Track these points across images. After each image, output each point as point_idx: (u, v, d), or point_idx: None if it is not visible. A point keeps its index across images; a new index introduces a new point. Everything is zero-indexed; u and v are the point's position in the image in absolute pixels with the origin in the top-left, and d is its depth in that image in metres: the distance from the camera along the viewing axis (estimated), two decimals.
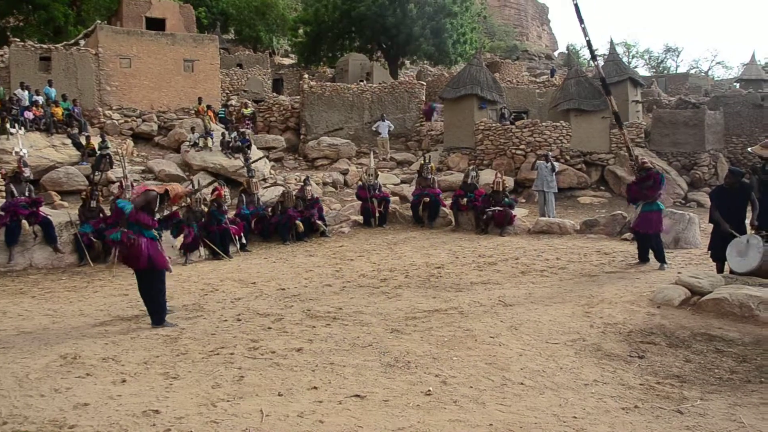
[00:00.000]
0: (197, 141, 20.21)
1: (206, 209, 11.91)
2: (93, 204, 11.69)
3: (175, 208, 7.72)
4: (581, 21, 9.22)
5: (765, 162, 8.77)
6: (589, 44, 9.65)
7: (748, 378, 4.96)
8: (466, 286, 8.22)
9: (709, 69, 55.44)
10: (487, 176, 17.91)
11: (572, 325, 6.20)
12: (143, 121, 22.82)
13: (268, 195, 15.83)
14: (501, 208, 13.08)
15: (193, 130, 20.81)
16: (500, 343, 5.66)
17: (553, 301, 7.25)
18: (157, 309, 6.64)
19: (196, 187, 12.39)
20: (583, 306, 6.93)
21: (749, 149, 10.38)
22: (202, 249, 11.49)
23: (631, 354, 5.45)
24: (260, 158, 16.54)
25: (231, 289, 8.58)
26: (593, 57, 10.42)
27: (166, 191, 6.93)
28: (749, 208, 8.41)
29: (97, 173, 14.23)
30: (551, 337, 5.84)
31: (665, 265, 9.15)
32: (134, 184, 12.37)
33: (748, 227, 8.35)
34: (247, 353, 5.44)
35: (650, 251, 9.49)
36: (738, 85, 35.21)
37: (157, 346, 5.73)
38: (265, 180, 19.11)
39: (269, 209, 13.56)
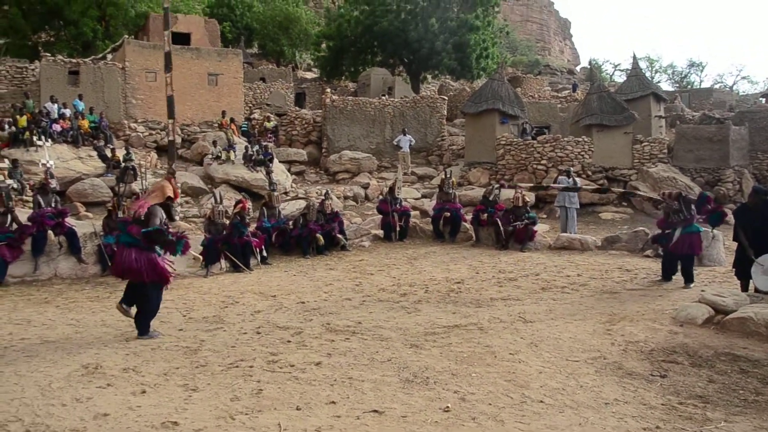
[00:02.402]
0: (220, 154, 20.42)
1: (228, 222, 11.99)
2: (120, 215, 11.84)
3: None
4: None
5: None
6: None
7: None
8: (486, 302, 8.18)
9: (734, 84, 54.98)
10: (508, 191, 17.85)
11: (593, 343, 6.13)
12: (167, 134, 23.13)
13: (289, 208, 15.92)
14: (522, 223, 13.02)
15: (215, 143, 21.03)
16: (520, 360, 5.61)
17: (574, 318, 7.19)
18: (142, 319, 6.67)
19: (218, 199, 12.55)
20: (605, 323, 6.85)
21: None
22: (222, 261, 11.57)
23: (653, 373, 5.37)
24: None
25: (251, 302, 8.61)
26: None
27: (169, 197, 6.92)
28: None
29: (121, 185, 14.42)
30: (572, 355, 5.78)
31: (691, 286, 9.01)
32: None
33: None
34: (266, 366, 5.45)
35: (676, 271, 9.34)
36: (764, 100, 34.82)
37: (177, 357, 5.77)
38: (286, 193, 19.23)
39: (290, 222, 13.63)
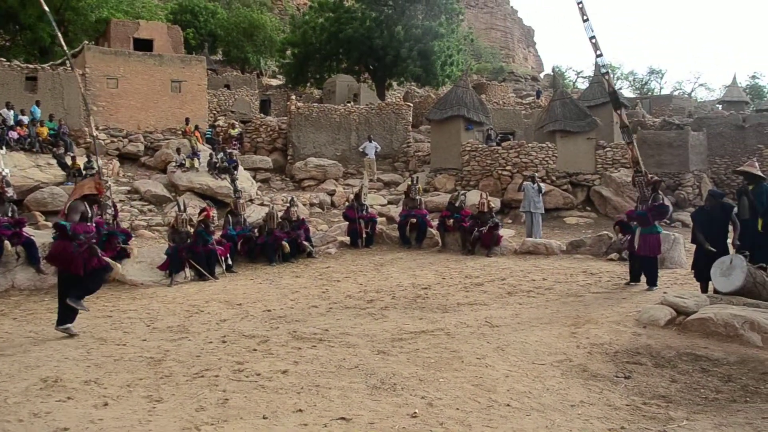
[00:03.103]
0: (184, 161, 20.17)
1: (192, 230, 11.83)
2: None
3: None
4: (584, 17, 9.18)
5: (750, 183, 8.87)
6: (594, 44, 9.35)
7: (734, 398, 4.97)
8: (453, 307, 8.21)
9: (692, 91, 56.32)
10: (473, 197, 17.98)
11: (559, 346, 6.19)
12: (129, 141, 22.77)
13: (254, 216, 15.78)
14: (487, 229, 13.11)
15: (179, 150, 20.77)
16: (487, 364, 5.63)
17: (540, 321, 7.25)
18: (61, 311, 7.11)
19: (182, 207, 12.38)
20: (570, 326, 6.93)
21: (739, 168, 10.39)
22: (187, 270, 11.40)
23: (617, 374, 5.44)
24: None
25: (217, 311, 8.50)
26: (598, 54, 9.78)
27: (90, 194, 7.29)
28: (731, 228, 8.51)
29: None
30: (538, 358, 5.83)
31: (654, 288, 9.14)
32: (118, 204, 12.30)
33: (731, 247, 8.43)
34: (231, 375, 5.38)
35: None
36: (720, 106, 35.78)
37: (140, 368, 5.65)
38: (251, 201, 19.07)
39: (256, 230, 13.51)
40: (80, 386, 5.13)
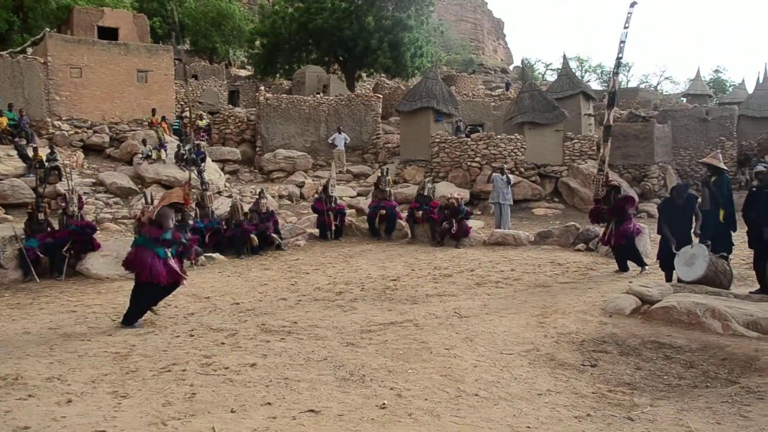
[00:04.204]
0: (150, 153, 19.85)
1: None
2: (41, 217, 11.36)
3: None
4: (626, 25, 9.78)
5: (713, 174, 9.06)
6: (621, 47, 9.87)
7: (695, 383, 5.09)
8: (422, 299, 8.24)
9: (658, 84, 57.13)
10: (443, 188, 18.05)
11: (526, 336, 6.26)
12: (94, 132, 22.27)
13: (222, 208, 15.60)
14: (456, 223, 13.16)
15: (145, 142, 20.44)
16: (455, 354, 5.67)
17: (508, 312, 7.32)
18: (131, 311, 7.13)
19: (149, 200, 12.18)
20: (537, 316, 7.01)
21: (702, 160, 10.74)
22: None
23: (583, 363, 5.53)
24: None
25: (184, 304, 8.40)
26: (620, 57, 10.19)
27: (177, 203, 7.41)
28: (695, 218, 8.69)
29: (43, 185, 13.84)
30: (506, 348, 5.88)
31: (646, 268, 9.61)
32: (83, 197, 12.07)
33: (694, 237, 8.60)
34: (199, 369, 5.33)
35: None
36: (685, 99, 36.38)
37: (105, 364, 5.56)
38: (219, 193, 18.87)
39: (223, 222, 13.39)
40: (42, 383, 5.02)
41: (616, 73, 10.86)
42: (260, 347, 6.01)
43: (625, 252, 9.84)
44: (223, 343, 6.19)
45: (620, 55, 9.93)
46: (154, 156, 19.78)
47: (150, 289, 7.15)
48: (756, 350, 5.61)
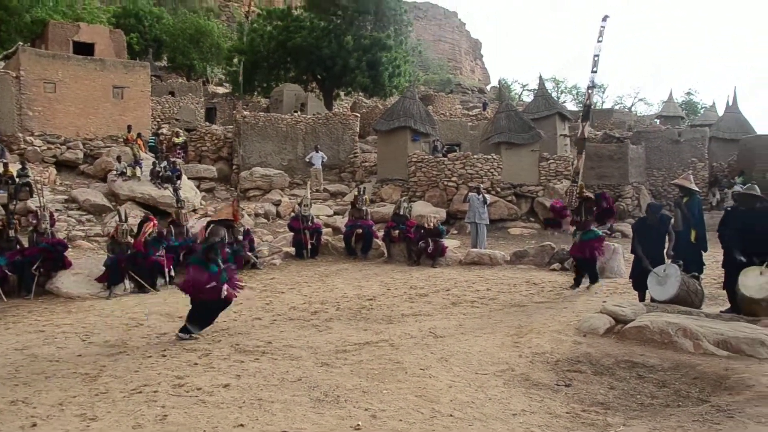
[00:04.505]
0: (125, 170, 19.66)
1: (132, 240, 11.52)
2: (11, 234, 11.17)
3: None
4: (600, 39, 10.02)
5: (684, 195, 9.19)
6: (595, 61, 10.19)
7: (667, 402, 5.12)
8: (398, 318, 8.22)
9: (632, 105, 57.97)
10: (420, 208, 18.10)
11: (501, 356, 6.26)
12: (68, 148, 22.02)
13: (198, 226, 15.46)
14: (433, 242, 13.20)
15: (120, 158, 20.25)
16: (430, 375, 5.65)
17: (483, 331, 7.32)
18: (188, 320, 7.36)
19: (123, 217, 12.04)
20: (512, 336, 7.01)
21: (674, 181, 10.96)
22: (127, 282, 11.10)
23: (558, 383, 5.53)
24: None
25: (157, 324, 8.29)
26: (594, 71, 10.53)
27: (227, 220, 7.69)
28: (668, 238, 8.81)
29: (14, 202, 13.63)
30: (481, 368, 5.88)
31: (596, 283, 9.88)
32: (55, 214, 11.89)
33: (667, 258, 8.70)
34: (171, 391, 5.24)
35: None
36: (658, 121, 37.01)
37: (74, 385, 5.45)
38: (195, 211, 18.71)
39: (198, 240, 13.25)
40: (6, 407, 4.90)
41: (590, 88, 11.04)
42: (234, 368, 5.94)
43: (585, 264, 10.01)
44: (196, 364, 6.11)
45: (594, 69, 10.11)
46: (128, 173, 19.59)
47: (203, 305, 7.35)
48: (726, 369, 5.67)
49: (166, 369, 5.92)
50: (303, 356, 6.33)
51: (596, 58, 9.98)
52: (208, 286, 7.19)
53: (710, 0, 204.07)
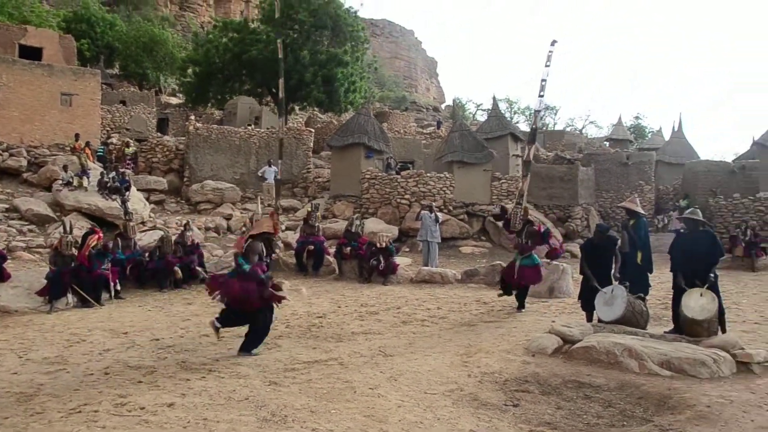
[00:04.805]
0: (71, 180, 19.12)
1: (77, 252, 11.19)
2: None
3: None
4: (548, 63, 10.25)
5: (631, 217, 9.42)
6: (543, 86, 10.38)
7: (613, 422, 5.20)
8: (348, 336, 8.17)
9: (583, 127, 59.31)
10: (372, 225, 18.11)
11: (450, 375, 6.26)
12: (10, 155, 21.29)
13: (146, 239, 15.14)
14: (384, 260, 13.21)
15: (66, 168, 19.70)
16: (379, 394, 5.61)
17: (433, 350, 7.33)
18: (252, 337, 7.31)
19: (67, 228, 11.70)
20: (462, 355, 7.04)
21: (621, 204, 11.26)
22: (69, 296, 10.75)
23: (506, 403, 5.56)
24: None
25: (100, 340, 8.04)
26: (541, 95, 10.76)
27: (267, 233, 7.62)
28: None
29: None
30: (430, 388, 5.87)
31: (522, 311, 9.99)
32: None
33: (614, 279, 8.89)
34: (113, 410, 5.07)
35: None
36: (608, 144, 38.01)
37: (8, 405, 5.22)
38: (143, 223, 18.31)
39: (146, 254, 12.98)
40: None
41: (538, 111, 11.32)
42: (179, 386, 5.79)
43: (519, 289, 10.18)
44: (140, 382, 5.94)
45: (542, 94, 10.34)
46: (75, 183, 19.06)
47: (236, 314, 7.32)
48: (669, 389, 5.80)
49: (108, 387, 5.74)
50: (251, 374, 6.22)
51: (543, 83, 10.21)
52: (246, 293, 7.16)
53: (687, 5, 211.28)
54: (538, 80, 10.37)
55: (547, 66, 10.29)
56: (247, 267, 7.20)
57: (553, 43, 10.37)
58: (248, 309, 7.22)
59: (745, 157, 26.46)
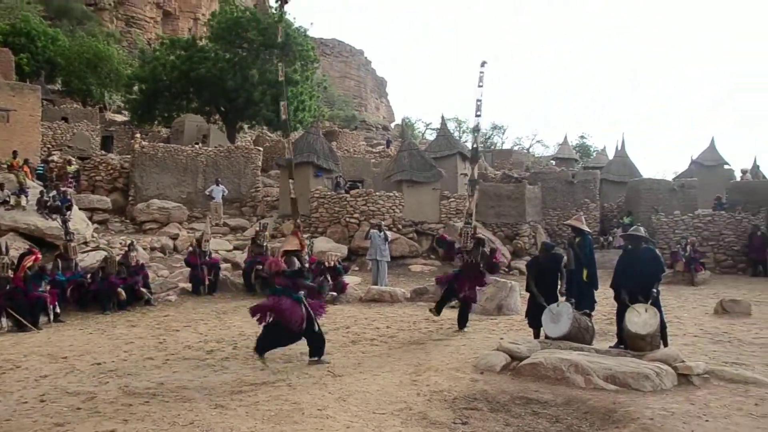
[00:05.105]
0: (8, 198, 18.42)
1: (12, 274, 10.77)
2: None
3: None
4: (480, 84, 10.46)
5: (577, 235, 9.60)
6: (478, 105, 10.64)
7: None
8: (296, 357, 8.06)
9: (530, 146, 60.48)
10: (321, 244, 18.02)
11: (400, 395, 6.24)
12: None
13: (88, 260, 14.68)
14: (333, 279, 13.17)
15: (2, 186, 18.98)
16: (328, 415, 5.54)
17: (382, 370, 7.30)
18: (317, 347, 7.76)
19: (3, 249, 11.26)
20: (411, 374, 7.03)
21: (567, 222, 11.49)
22: (3, 319, 10.33)
23: (455, 421, 5.57)
24: None
25: (36, 366, 7.72)
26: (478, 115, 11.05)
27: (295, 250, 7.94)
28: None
29: None
30: (379, 408, 5.83)
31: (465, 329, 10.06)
32: None
33: (560, 296, 9.04)
34: None
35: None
36: (554, 162, 38.84)
37: None
38: (86, 244, 17.76)
39: (88, 275, 12.59)
40: None
41: (476, 130, 11.56)
42: (121, 412, 5.61)
43: (463, 306, 10.25)
44: (79, 409, 5.73)
45: (478, 114, 10.57)
46: (12, 202, 18.35)
47: (280, 332, 7.64)
48: (614, 403, 5.92)
49: (43, 416, 5.51)
50: (196, 398, 6.07)
51: (479, 103, 10.44)
52: (290, 313, 7.46)
53: (687, 6, 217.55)
54: (477, 101, 10.58)
55: (480, 86, 10.52)
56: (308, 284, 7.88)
57: (483, 63, 10.64)
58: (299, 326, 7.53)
59: (685, 176, 27.45)
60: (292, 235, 8.42)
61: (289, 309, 7.47)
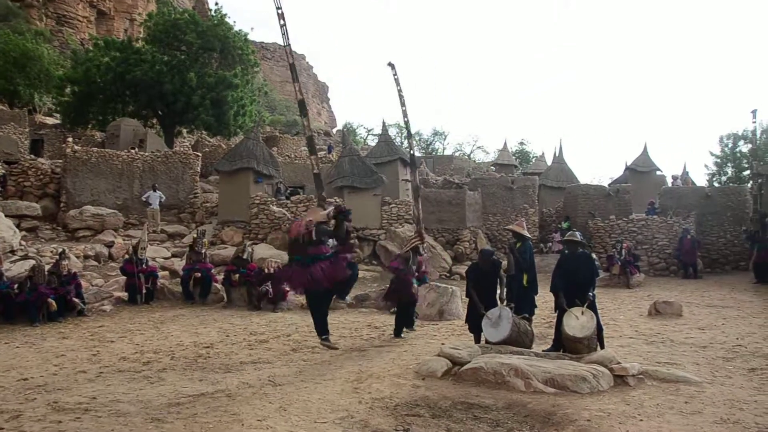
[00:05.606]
0: None
1: None
2: None
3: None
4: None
5: (517, 240, 9.75)
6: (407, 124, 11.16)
7: None
8: (236, 367, 7.92)
9: (471, 152, 61.36)
10: (262, 251, 17.79)
11: (341, 403, 6.19)
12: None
13: (15, 270, 14.06)
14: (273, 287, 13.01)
15: None
16: (268, 426, 5.45)
17: (324, 378, 7.24)
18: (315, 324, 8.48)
19: None
20: (353, 382, 7.00)
21: (507, 227, 11.73)
22: None
23: (396, 428, 5.55)
24: None
25: None
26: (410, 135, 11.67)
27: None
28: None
29: None
30: (320, 416, 5.77)
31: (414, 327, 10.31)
32: None
33: (499, 301, 9.16)
34: None
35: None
36: (494, 168, 39.48)
37: None
38: (12, 252, 17.02)
39: (15, 286, 12.05)
40: None
41: (409, 136, 11.78)
42: (49, 429, 5.37)
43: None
44: (1, 429, 5.44)
45: (406, 119, 10.76)
46: None
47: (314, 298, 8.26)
48: (553, 405, 6.03)
49: None
50: (131, 412, 5.88)
51: (404, 109, 10.65)
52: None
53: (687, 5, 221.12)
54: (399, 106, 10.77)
55: (398, 89, 10.67)
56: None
57: (390, 65, 10.81)
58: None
59: (619, 181, 28.32)
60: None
61: (296, 275, 8.07)
